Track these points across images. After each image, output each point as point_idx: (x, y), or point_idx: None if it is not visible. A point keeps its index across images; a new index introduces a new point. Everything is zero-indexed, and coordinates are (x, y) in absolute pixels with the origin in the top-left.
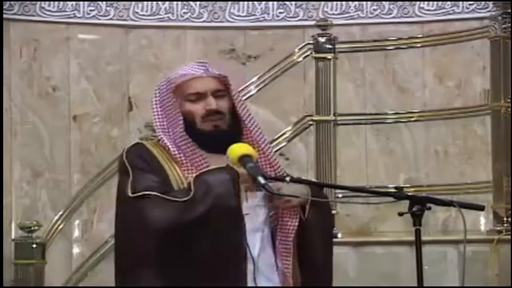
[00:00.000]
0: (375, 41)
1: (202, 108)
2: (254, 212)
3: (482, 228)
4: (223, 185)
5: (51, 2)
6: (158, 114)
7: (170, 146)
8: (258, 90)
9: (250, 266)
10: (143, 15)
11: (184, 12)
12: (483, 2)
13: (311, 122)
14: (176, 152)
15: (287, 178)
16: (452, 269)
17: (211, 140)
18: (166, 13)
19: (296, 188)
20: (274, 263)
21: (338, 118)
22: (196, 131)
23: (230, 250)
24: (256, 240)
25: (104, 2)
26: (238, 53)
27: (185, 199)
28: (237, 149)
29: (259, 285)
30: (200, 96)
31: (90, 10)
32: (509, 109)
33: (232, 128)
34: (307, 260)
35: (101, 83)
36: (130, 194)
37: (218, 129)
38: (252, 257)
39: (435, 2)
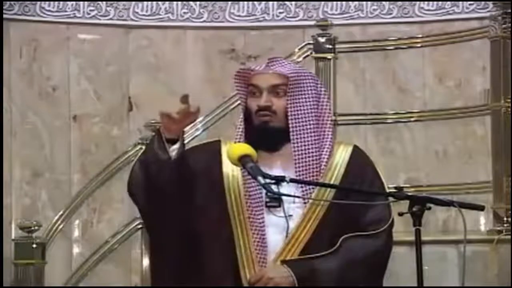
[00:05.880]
0: (375, 41)
1: (256, 104)
2: (295, 214)
3: (482, 228)
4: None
5: (51, 2)
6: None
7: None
8: None
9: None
10: (143, 15)
11: (184, 12)
12: (483, 2)
13: None
14: None
15: (287, 178)
16: (452, 269)
17: (258, 135)
18: (166, 13)
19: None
20: None
21: (338, 118)
22: (250, 126)
23: None
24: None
25: (104, 2)
26: (238, 53)
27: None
28: (237, 149)
29: None
30: (257, 91)
31: (90, 10)
32: (509, 109)
33: (284, 127)
34: None
35: (101, 83)
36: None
37: (266, 125)
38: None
39: (435, 2)
